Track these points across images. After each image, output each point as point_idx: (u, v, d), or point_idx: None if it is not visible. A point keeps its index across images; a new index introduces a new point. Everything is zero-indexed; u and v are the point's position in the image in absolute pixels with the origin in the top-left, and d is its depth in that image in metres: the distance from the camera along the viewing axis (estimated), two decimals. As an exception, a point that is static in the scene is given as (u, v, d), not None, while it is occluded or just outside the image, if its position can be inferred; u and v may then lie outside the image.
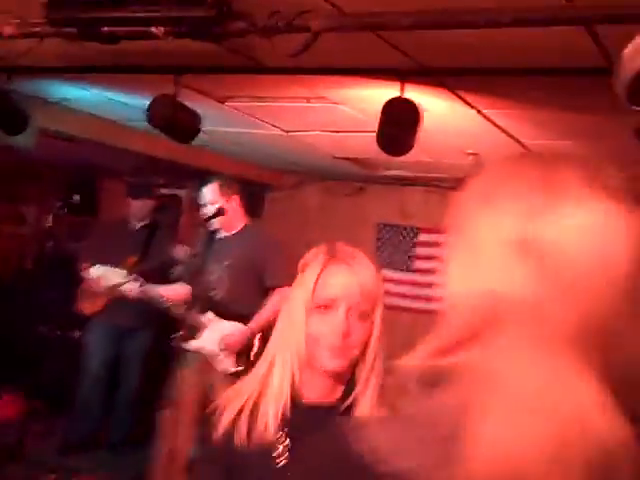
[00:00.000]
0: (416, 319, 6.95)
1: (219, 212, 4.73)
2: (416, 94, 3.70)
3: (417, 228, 7.03)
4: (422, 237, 6.98)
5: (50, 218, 8.09)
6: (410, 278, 7.02)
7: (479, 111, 4.15)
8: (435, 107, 4.10)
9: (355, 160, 6.17)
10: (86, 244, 6.20)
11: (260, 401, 1.75)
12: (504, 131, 4.56)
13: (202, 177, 5.29)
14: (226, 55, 3.57)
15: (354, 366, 1.75)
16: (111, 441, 6.04)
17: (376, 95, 3.93)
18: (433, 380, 0.91)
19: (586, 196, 0.91)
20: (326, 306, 1.72)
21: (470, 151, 5.27)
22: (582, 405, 0.85)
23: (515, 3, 2.52)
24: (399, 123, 3.54)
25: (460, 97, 3.92)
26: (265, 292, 4.71)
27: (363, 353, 1.74)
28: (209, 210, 4.76)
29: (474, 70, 3.42)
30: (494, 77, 3.51)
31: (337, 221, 7.40)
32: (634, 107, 2.23)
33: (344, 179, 7.30)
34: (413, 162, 4.61)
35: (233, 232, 4.80)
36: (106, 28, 3.18)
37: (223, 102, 4.75)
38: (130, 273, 5.14)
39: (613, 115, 3.58)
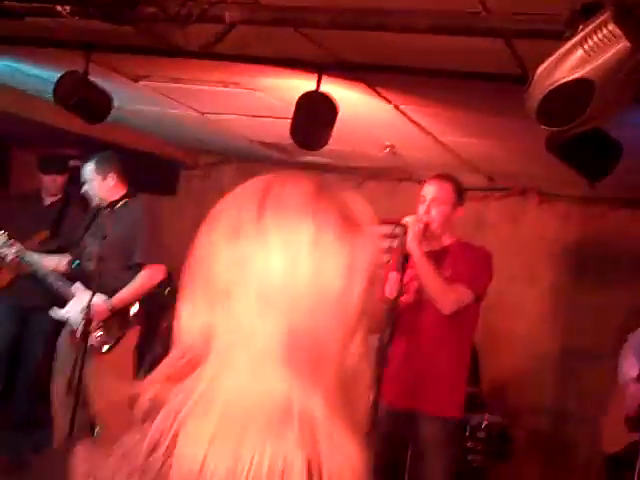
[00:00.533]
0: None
1: (127, 195, 4.84)
2: (333, 87, 3.65)
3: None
4: (336, 224, 6.94)
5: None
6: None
7: (396, 106, 4.12)
8: (353, 100, 4.05)
9: (271, 145, 6.09)
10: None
11: None
12: (419, 126, 4.55)
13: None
14: (140, 35, 3.44)
15: None
16: (13, 421, 5.88)
17: (293, 85, 3.86)
18: (148, 410, 0.92)
19: (298, 220, 0.94)
20: None
21: (387, 143, 5.25)
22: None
23: (435, 6, 2.49)
24: (314, 118, 3.48)
25: (378, 92, 3.88)
26: (136, 269, 4.79)
27: None
28: (86, 187, 4.89)
29: (392, 68, 3.39)
30: (412, 75, 3.48)
31: (252, 203, 7.29)
32: (543, 126, 2.21)
33: (260, 161, 7.19)
34: (330, 150, 4.55)
35: (113, 208, 4.86)
36: (6, 2, 3.02)
37: (137, 81, 4.60)
38: (41, 248, 5.14)
39: (524, 119, 3.61)
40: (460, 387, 4.00)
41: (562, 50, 2.07)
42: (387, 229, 6.68)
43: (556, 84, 2.09)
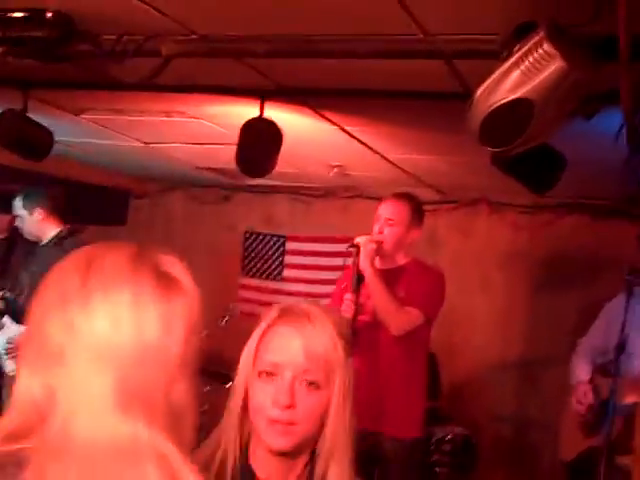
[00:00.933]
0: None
1: (71, 232, 4.89)
2: (277, 112, 3.63)
3: (284, 236, 6.96)
4: (289, 245, 6.92)
5: None
6: (279, 287, 6.95)
7: (341, 128, 4.12)
8: (298, 123, 4.05)
9: (219, 170, 6.05)
10: None
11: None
12: (366, 145, 4.55)
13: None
14: (78, 70, 3.39)
15: (313, 444, 1.54)
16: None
17: (237, 112, 3.85)
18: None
19: (118, 285, 1.09)
20: (268, 373, 1.51)
21: (335, 163, 5.25)
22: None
23: (373, 30, 2.49)
24: (259, 144, 3.46)
25: (322, 115, 3.87)
26: None
27: (320, 428, 1.52)
28: (17, 222, 4.98)
29: (334, 91, 3.37)
30: (355, 97, 3.48)
31: (203, 229, 7.26)
32: (485, 147, 2.22)
33: (209, 186, 7.16)
34: (278, 173, 4.54)
35: (44, 242, 4.89)
36: (-59, 45, 2.95)
37: (78, 115, 4.53)
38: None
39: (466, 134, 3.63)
40: (417, 406, 3.99)
41: (500, 71, 2.08)
42: (339, 247, 6.72)
43: (495, 105, 2.10)
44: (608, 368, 3.77)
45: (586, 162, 3.89)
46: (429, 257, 4.20)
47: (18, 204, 4.90)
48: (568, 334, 5.76)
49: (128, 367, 1.05)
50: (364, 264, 3.70)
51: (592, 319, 4.63)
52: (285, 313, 1.55)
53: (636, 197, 3.10)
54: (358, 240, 3.76)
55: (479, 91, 2.13)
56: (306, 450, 1.55)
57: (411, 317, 3.78)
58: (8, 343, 4.70)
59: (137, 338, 1.06)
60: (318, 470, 1.53)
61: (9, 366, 4.70)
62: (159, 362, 1.08)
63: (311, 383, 1.50)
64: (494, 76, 2.10)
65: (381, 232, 3.87)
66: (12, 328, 4.72)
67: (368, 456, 4.00)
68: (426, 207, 5.81)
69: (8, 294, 4.92)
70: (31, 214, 4.88)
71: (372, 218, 4.07)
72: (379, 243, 3.81)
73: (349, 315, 3.63)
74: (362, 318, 3.80)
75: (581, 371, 4.11)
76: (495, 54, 2.25)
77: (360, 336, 3.74)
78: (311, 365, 1.49)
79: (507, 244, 6.19)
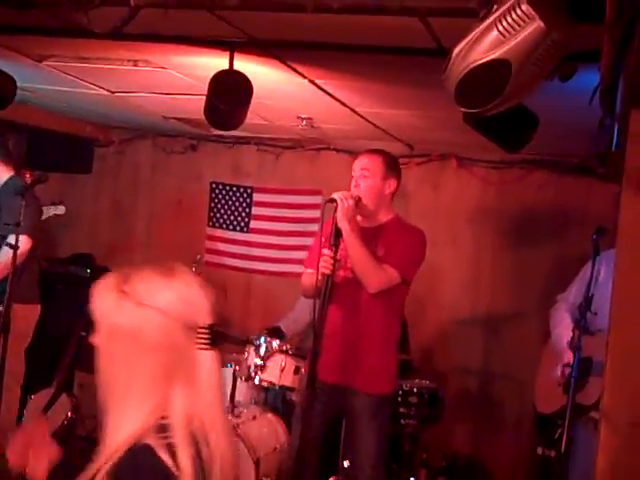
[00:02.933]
0: (250, 279, 6.90)
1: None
2: (246, 64, 3.56)
3: (251, 187, 6.90)
4: (257, 197, 6.87)
5: None
6: (245, 238, 6.91)
7: (311, 81, 4.06)
8: (267, 75, 3.97)
9: (186, 120, 5.96)
10: None
11: None
12: (336, 99, 4.50)
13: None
14: (43, 16, 3.28)
15: None
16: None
17: (205, 62, 3.77)
18: None
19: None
20: None
21: (304, 116, 5.19)
22: None
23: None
24: (228, 97, 3.39)
25: (292, 68, 3.81)
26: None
27: None
28: None
29: (306, 44, 3.31)
30: (326, 50, 3.41)
31: (170, 179, 7.17)
32: (461, 108, 2.19)
33: (176, 136, 7.05)
34: (247, 124, 4.47)
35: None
36: None
37: (41, 61, 4.41)
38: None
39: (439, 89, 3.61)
40: (391, 364, 4.02)
41: (477, 31, 2.04)
42: (307, 199, 6.69)
43: (472, 65, 2.06)
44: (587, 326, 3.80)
45: (558, 121, 3.88)
46: (399, 210, 4.18)
47: None
48: (536, 289, 5.84)
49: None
50: (341, 220, 3.67)
51: (560, 274, 4.67)
52: None
53: (606, 156, 3.10)
54: (335, 195, 3.72)
55: (455, 51, 2.09)
56: None
57: (388, 276, 3.79)
58: None
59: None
60: None
61: None
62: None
63: None
64: (471, 36, 2.06)
65: (357, 186, 3.85)
66: None
67: (335, 409, 4.04)
68: (396, 161, 5.83)
69: None
70: None
71: (340, 170, 4.06)
72: (357, 198, 3.77)
73: (327, 271, 3.61)
74: (340, 274, 3.79)
75: (564, 330, 4.08)
76: (471, 12, 2.21)
77: (338, 292, 3.73)
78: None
79: (476, 199, 6.20)
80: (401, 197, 6.09)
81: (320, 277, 3.60)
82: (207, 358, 1.53)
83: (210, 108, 3.47)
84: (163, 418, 1.49)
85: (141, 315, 1.50)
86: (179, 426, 1.48)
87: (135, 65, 4.18)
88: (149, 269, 1.59)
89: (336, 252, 3.64)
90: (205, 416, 1.52)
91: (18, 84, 4.22)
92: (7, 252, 4.71)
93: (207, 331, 1.53)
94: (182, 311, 1.52)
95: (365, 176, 3.85)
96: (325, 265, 3.62)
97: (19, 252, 4.64)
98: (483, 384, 6.23)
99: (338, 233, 3.67)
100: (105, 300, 1.53)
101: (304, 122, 5.29)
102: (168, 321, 1.50)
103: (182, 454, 1.44)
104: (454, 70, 2.10)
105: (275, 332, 5.48)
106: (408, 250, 3.90)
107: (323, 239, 3.80)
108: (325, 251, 3.68)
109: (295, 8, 2.48)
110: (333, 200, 3.70)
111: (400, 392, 5.20)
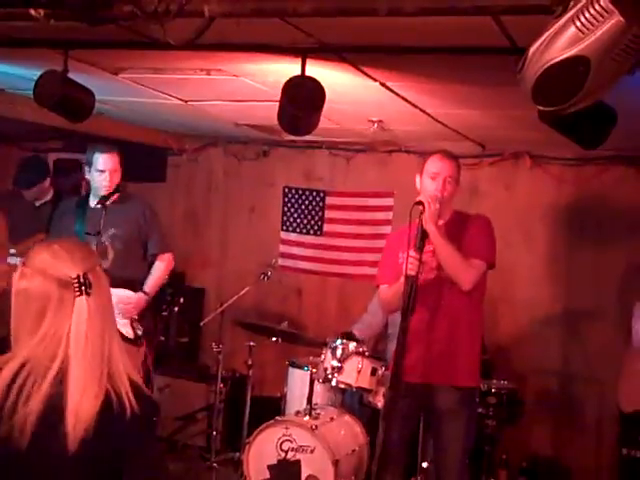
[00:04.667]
0: (325, 282, 6.93)
1: (117, 190, 4.84)
2: (317, 69, 3.59)
3: (324, 191, 6.93)
4: (329, 200, 6.90)
5: None
6: (319, 242, 6.95)
7: (382, 83, 4.07)
8: (338, 79, 4.00)
9: (259, 127, 6.02)
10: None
11: None
12: (407, 100, 4.49)
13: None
14: (119, 30, 3.36)
15: None
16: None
17: (277, 69, 3.81)
18: None
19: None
20: None
21: (375, 119, 5.20)
22: None
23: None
24: (302, 103, 3.41)
25: (363, 71, 3.82)
26: (145, 259, 5.05)
27: None
28: (109, 178, 4.86)
29: (378, 48, 3.32)
30: (397, 54, 3.42)
31: (243, 185, 7.25)
32: (539, 107, 2.17)
33: (248, 142, 7.13)
34: (318, 128, 4.50)
35: (106, 205, 4.81)
36: (-21, 8, 2.95)
37: (117, 74, 4.52)
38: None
39: (512, 88, 3.57)
40: (476, 357, 4.09)
41: (554, 29, 2.02)
42: (379, 201, 6.68)
43: (550, 63, 2.04)
44: None
45: (635, 115, 3.80)
46: (471, 210, 4.18)
47: (114, 159, 4.89)
48: (614, 289, 5.71)
49: None
50: (429, 223, 3.71)
51: (638, 273, 4.57)
52: None
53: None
54: (422, 198, 3.76)
55: (532, 49, 2.07)
56: None
57: (477, 268, 3.89)
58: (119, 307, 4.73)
59: None
60: None
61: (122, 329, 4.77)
62: None
63: None
64: (547, 34, 2.04)
65: (443, 190, 3.87)
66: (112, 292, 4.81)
67: (417, 409, 4.05)
68: (467, 161, 5.80)
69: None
70: (121, 170, 4.95)
71: (411, 172, 4.05)
72: (440, 201, 3.81)
73: (414, 272, 3.64)
74: (424, 276, 3.81)
75: None
76: (546, 9, 2.19)
77: (423, 294, 3.75)
78: None
79: (551, 197, 6.10)
80: (473, 196, 6.08)
81: (405, 279, 3.65)
82: (82, 304, 1.87)
83: (283, 114, 3.50)
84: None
85: (27, 275, 1.92)
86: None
87: (208, 74, 4.25)
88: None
89: (421, 254, 3.67)
90: (70, 359, 1.84)
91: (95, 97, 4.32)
92: (159, 267, 4.98)
93: (77, 280, 1.87)
94: (53, 267, 1.90)
95: (450, 182, 3.89)
96: (411, 267, 3.65)
97: (168, 268, 5.03)
98: (563, 384, 6.12)
99: (424, 235, 3.71)
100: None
101: (375, 125, 5.30)
102: (44, 277, 1.89)
103: None
104: (530, 69, 2.08)
105: (348, 338, 5.50)
106: (481, 236, 3.98)
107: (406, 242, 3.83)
108: (412, 253, 3.70)
109: (368, 12, 2.49)
110: (420, 203, 3.73)
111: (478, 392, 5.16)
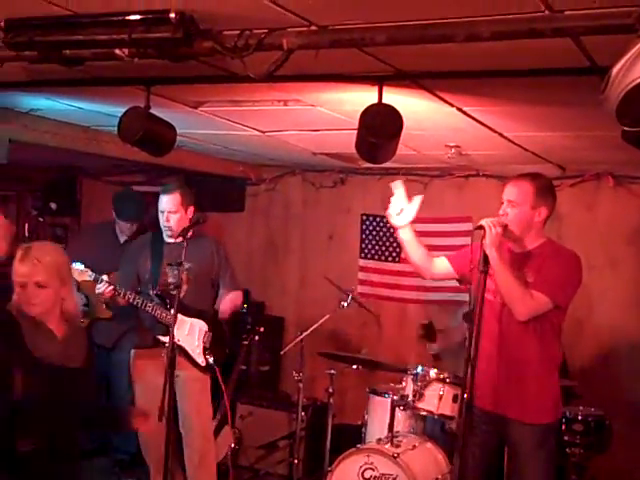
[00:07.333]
0: (404, 308, 6.90)
1: (197, 222, 4.89)
2: (394, 95, 3.60)
3: (401, 218, 6.90)
4: (407, 226, 6.87)
5: (26, 227, 7.90)
6: (397, 268, 6.93)
7: (459, 109, 4.05)
8: (414, 106, 4.00)
9: (335, 155, 6.06)
10: (72, 248, 5.95)
11: None
12: (484, 125, 4.46)
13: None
14: (199, 65, 3.44)
15: None
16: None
17: (354, 97, 3.84)
18: None
19: None
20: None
21: (452, 144, 5.18)
22: None
23: (496, 11, 2.42)
24: (379, 131, 3.42)
25: (439, 97, 3.82)
26: (213, 295, 5.31)
27: None
28: (171, 218, 5.05)
29: (455, 73, 3.31)
30: (474, 78, 3.41)
31: (320, 213, 7.30)
32: (624, 127, 2.13)
33: (324, 170, 7.19)
34: (395, 155, 4.53)
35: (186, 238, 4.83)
36: (68, 51, 3.06)
37: (196, 107, 4.62)
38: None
39: (593, 108, 3.52)
40: (548, 392, 3.92)
41: (637, 48, 1.99)
42: (456, 227, 6.63)
43: (635, 83, 2.01)
44: None
45: None
46: (552, 233, 4.10)
47: (176, 200, 5.01)
48: None
49: None
50: (488, 247, 3.65)
51: None
52: None
53: None
54: (483, 222, 3.71)
55: (615, 69, 2.05)
56: None
57: (536, 302, 3.73)
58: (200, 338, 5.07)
59: None
60: None
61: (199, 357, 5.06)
62: None
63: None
64: (631, 52, 2.01)
65: (505, 215, 3.82)
66: (185, 321, 5.01)
67: (497, 436, 3.97)
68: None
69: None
70: (186, 212, 5.08)
71: (489, 196, 4.03)
72: (503, 226, 3.75)
73: (477, 296, 3.59)
74: (490, 299, 3.77)
75: None
76: (630, 28, 2.16)
77: (489, 318, 3.70)
78: None
79: (636, 218, 5.97)
80: (554, 219, 5.95)
81: (472, 302, 3.62)
82: None
83: (361, 142, 3.52)
84: None
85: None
86: None
87: (285, 105, 4.31)
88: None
89: (485, 278, 3.62)
90: None
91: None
92: (230, 296, 5.26)
93: None
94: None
95: (512, 206, 3.83)
96: (476, 290, 3.61)
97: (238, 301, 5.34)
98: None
99: (486, 260, 3.66)
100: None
101: (452, 150, 5.28)
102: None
103: None
104: (615, 88, 2.05)
105: (429, 327, 5.61)
106: (559, 274, 3.81)
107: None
108: (478, 275, 3.66)
109: (445, 39, 2.50)
110: (481, 227, 3.69)
111: (564, 420, 5.05)
